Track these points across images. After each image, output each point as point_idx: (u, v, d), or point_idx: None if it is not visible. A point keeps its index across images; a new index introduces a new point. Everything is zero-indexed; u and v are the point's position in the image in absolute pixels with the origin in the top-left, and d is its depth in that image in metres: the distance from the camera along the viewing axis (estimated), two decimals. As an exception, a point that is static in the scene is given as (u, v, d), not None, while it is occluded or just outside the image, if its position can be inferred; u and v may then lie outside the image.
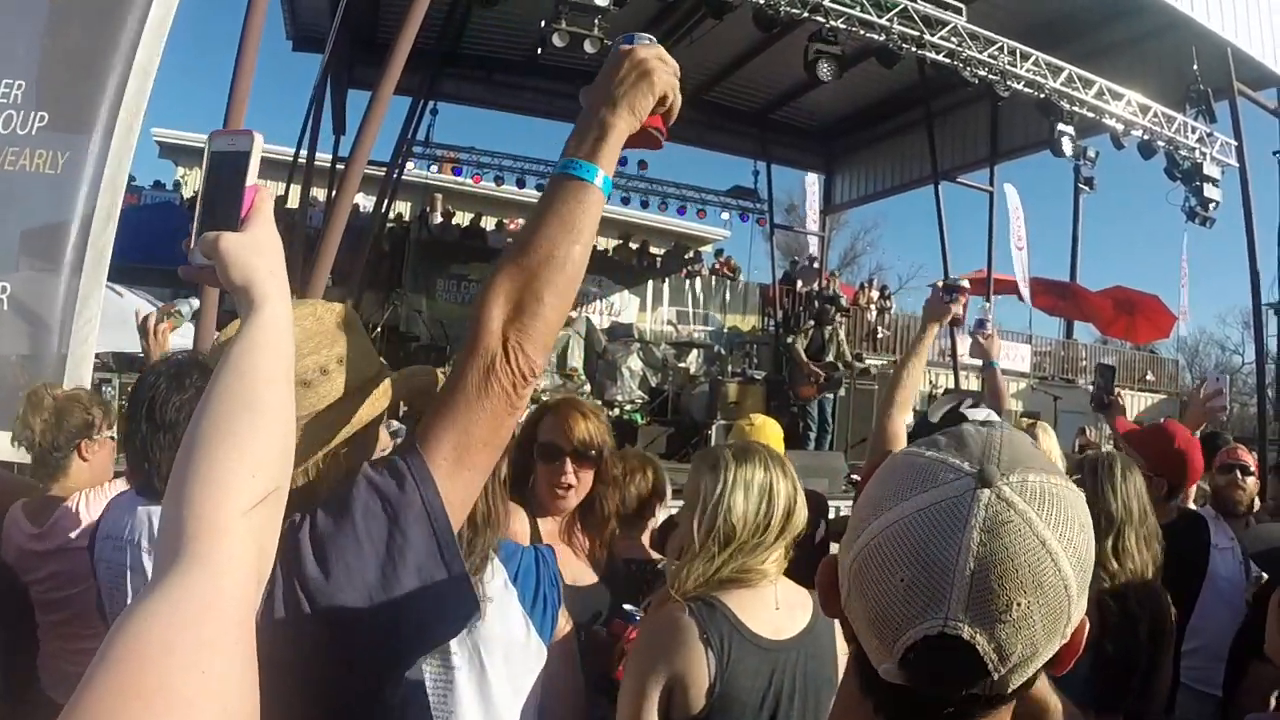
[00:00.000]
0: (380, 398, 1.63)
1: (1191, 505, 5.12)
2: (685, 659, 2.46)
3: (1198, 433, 4.90)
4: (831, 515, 5.67)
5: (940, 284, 4.42)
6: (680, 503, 2.93)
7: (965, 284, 4.50)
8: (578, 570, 3.45)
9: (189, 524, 1.00)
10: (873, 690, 1.08)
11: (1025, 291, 27.30)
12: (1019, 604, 0.95)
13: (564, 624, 2.87)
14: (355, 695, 1.48)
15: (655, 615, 2.61)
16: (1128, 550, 3.49)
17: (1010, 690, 1.03)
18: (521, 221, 20.77)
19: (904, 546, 0.99)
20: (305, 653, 1.38)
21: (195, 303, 4.74)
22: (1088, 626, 1.07)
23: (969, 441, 1.06)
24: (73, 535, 3.54)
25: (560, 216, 1.55)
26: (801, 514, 2.73)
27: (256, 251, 1.28)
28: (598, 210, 1.60)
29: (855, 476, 11.48)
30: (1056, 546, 0.97)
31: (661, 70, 1.66)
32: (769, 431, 4.95)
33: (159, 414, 3.00)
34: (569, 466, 3.41)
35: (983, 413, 4.77)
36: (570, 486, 3.42)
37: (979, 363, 5.17)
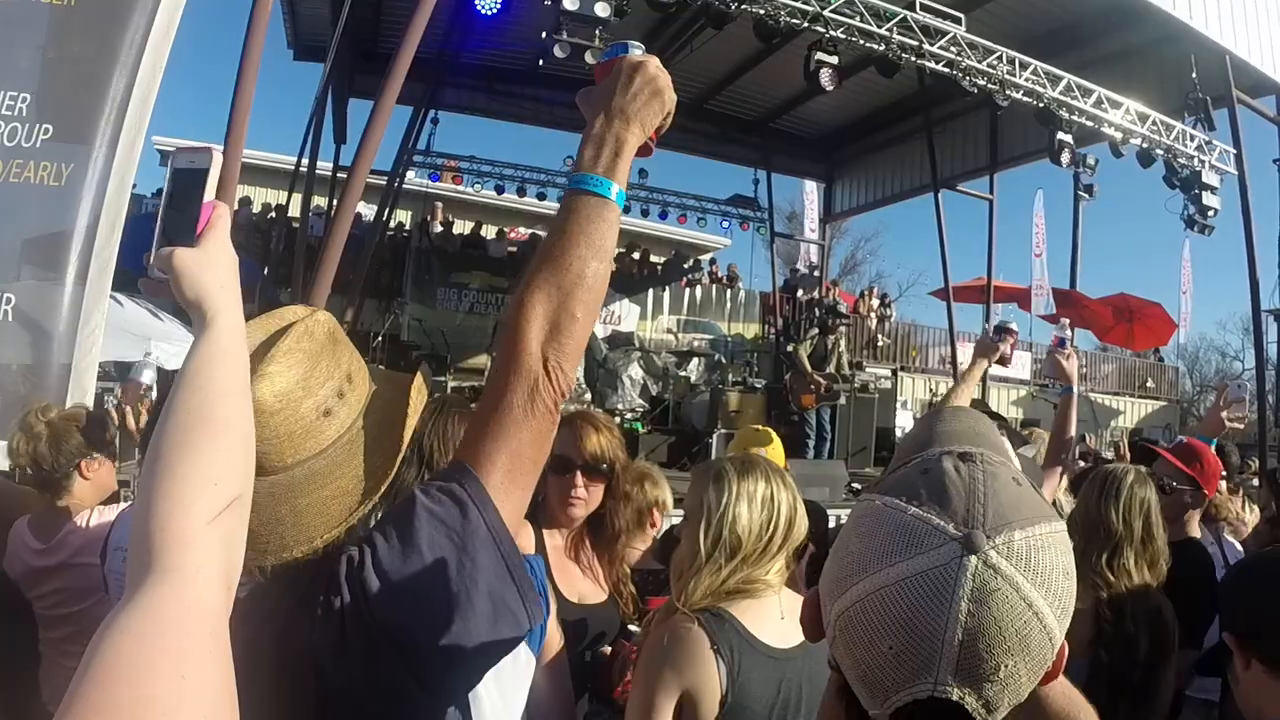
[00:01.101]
0: (419, 399, 1.67)
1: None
2: (697, 670, 2.45)
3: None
4: (831, 524, 5.67)
5: (991, 325, 4.45)
6: (680, 513, 2.93)
7: (1015, 326, 4.48)
8: (585, 588, 3.41)
9: (156, 537, 1.02)
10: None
11: (1046, 299, 27.30)
12: (1006, 665, 0.98)
13: (553, 634, 2.86)
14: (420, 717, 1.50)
15: (663, 627, 2.59)
16: (1124, 569, 3.49)
17: None
18: (522, 230, 20.88)
19: (890, 616, 0.99)
20: (381, 687, 1.41)
21: (153, 362, 4.77)
22: (1066, 649, 1.08)
23: (951, 494, 1.05)
24: (79, 550, 3.54)
25: (588, 235, 1.57)
26: (802, 524, 2.74)
27: (209, 267, 1.30)
28: (618, 225, 1.63)
29: (856, 485, 11.48)
30: (1042, 605, 0.99)
31: (670, 88, 1.68)
32: (770, 440, 4.95)
33: None
34: (579, 480, 3.36)
35: (1031, 450, 4.78)
36: (580, 500, 3.37)
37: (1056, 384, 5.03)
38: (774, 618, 2.60)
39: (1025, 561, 0.99)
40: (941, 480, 1.07)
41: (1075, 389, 4.51)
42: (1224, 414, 4.72)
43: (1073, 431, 4.48)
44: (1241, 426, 4.81)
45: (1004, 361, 4.33)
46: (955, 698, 0.97)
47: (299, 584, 1.47)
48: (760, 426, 5.36)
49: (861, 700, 1.06)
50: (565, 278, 1.54)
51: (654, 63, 1.66)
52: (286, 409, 1.50)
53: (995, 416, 4.49)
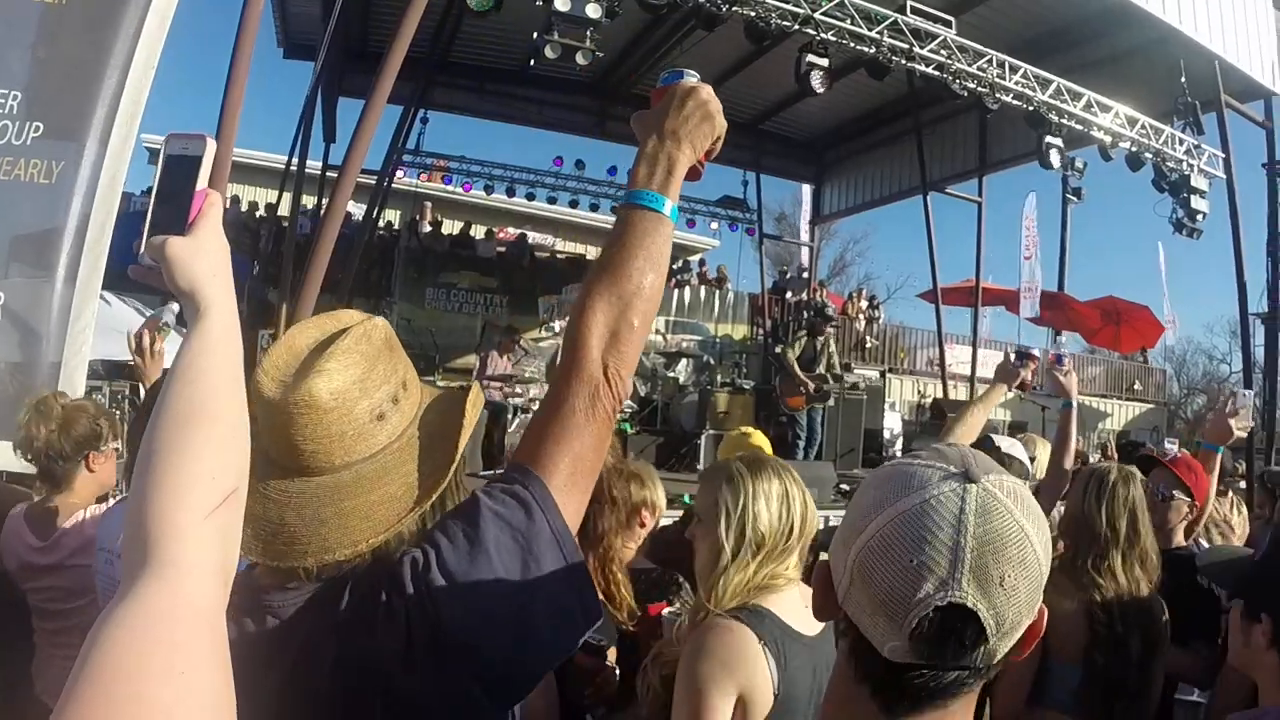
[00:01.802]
0: (474, 412, 1.67)
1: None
2: (750, 668, 2.44)
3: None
4: (820, 525, 5.66)
5: (1013, 350, 4.48)
6: (672, 513, 2.92)
7: (1036, 352, 4.53)
8: None
9: (152, 531, 1.02)
10: (870, 676, 1.20)
11: (1033, 303, 27.39)
12: (1009, 576, 1.11)
13: None
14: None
15: (702, 632, 2.55)
16: (1111, 570, 3.50)
17: (995, 660, 1.16)
18: (511, 231, 20.88)
19: (912, 533, 1.12)
20: (447, 691, 1.42)
21: (176, 308, 4.74)
22: (1046, 614, 1.20)
23: (947, 453, 1.22)
24: (75, 551, 3.52)
25: (645, 249, 1.62)
26: (814, 516, 2.77)
27: (201, 256, 1.28)
28: (671, 239, 1.68)
29: (845, 486, 11.51)
30: (1031, 532, 1.14)
31: (720, 113, 1.74)
32: (757, 443, 4.96)
33: None
34: None
35: (1008, 442, 4.83)
36: None
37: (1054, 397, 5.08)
38: (800, 607, 2.60)
39: (1013, 496, 1.16)
40: (937, 449, 1.24)
41: (1075, 404, 4.63)
42: (1232, 421, 4.75)
43: (1074, 445, 4.61)
44: (1245, 435, 4.83)
45: (1024, 387, 4.42)
46: (971, 604, 1.10)
47: (358, 587, 1.45)
48: (748, 429, 5.35)
49: (878, 638, 1.16)
50: (625, 288, 1.59)
51: (707, 89, 1.73)
52: (341, 408, 1.50)
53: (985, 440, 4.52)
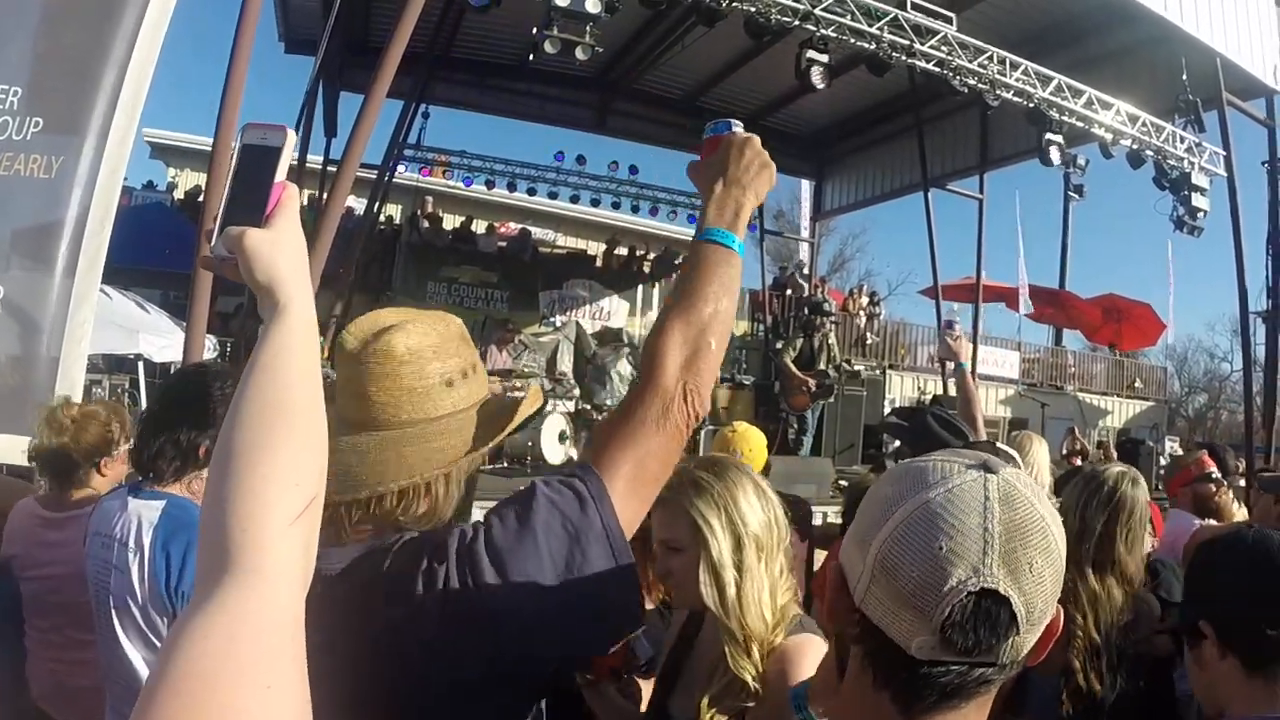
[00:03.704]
0: (534, 399, 1.81)
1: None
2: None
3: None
4: (818, 521, 5.67)
5: (945, 325, 4.57)
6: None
7: (957, 320, 4.62)
8: None
9: (235, 536, 0.99)
10: (891, 681, 1.18)
11: (1025, 299, 27.41)
12: (1036, 563, 1.12)
13: None
14: (496, 709, 1.52)
15: (792, 660, 2.34)
16: (1100, 577, 3.47)
17: (1021, 655, 1.16)
18: (512, 226, 20.90)
19: (938, 521, 1.12)
20: (464, 665, 1.46)
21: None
22: (1062, 615, 1.20)
23: (962, 450, 1.22)
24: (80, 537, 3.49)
25: (719, 278, 1.73)
26: (783, 512, 2.67)
27: (280, 250, 1.25)
28: (741, 272, 1.81)
29: (844, 482, 11.50)
30: (1051, 521, 1.15)
31: (772, 163, 1.87)
32: (751, 438, 4.93)
33: (180, 401, 3.03)
34: None
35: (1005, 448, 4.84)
36: None
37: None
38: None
39: (1030, 488, 1.16)
40: (951, 450, 1.25)
41: (965, 365, 4.85)
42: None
43: (979, 407, 4.69)
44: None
45: (955, 358, 4.54)
46: (1003, 590, 1.09)
47: (403, 551, 1.52)
48: (738, 425, 5.29)
49: (904, 635, 1.14)
50: (703, 311, 1.70)
51: (758, 140, 1.87)
52: (414, 363, 1.62)
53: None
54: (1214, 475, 5.11)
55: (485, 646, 1.47)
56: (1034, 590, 1.11)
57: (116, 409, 3.93)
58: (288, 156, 1.30)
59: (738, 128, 1.91)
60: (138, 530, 2.92)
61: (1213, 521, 4.81)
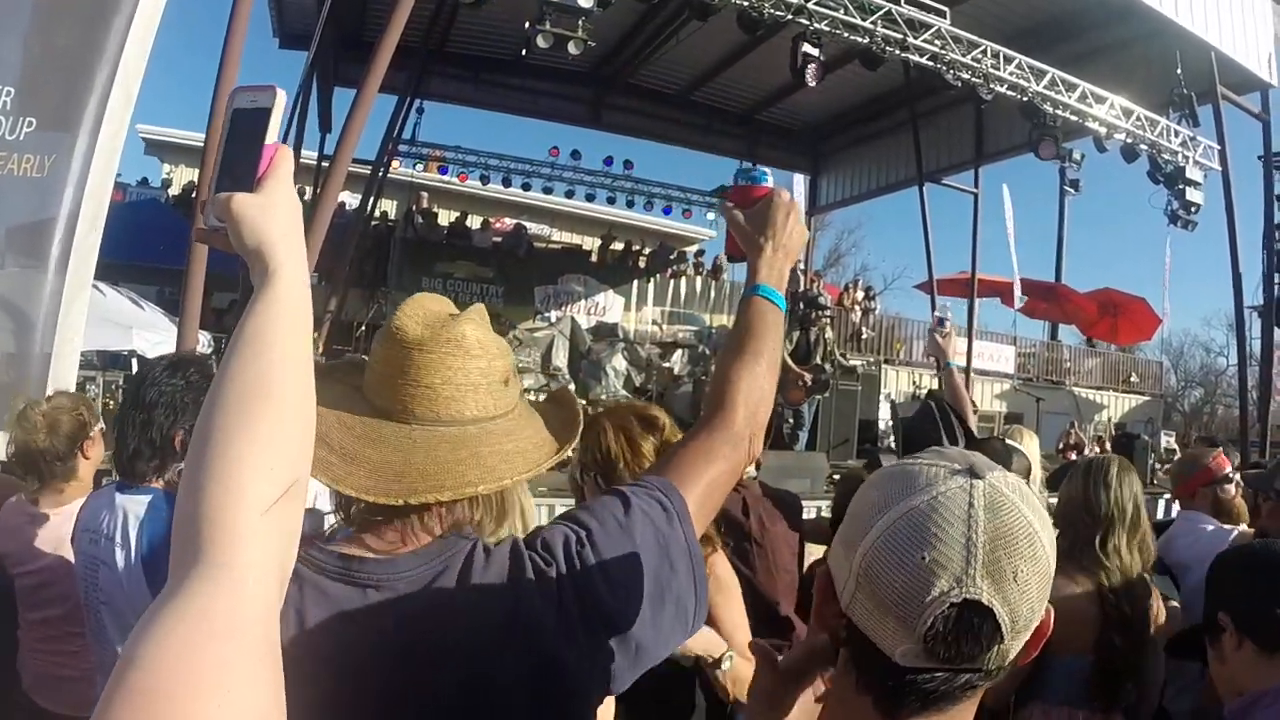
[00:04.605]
0: (572, 401, 1.83)
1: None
2: None
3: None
4: (812, 515, 5.67)
5: (935, 320, 4.58)
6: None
7: (948, 315, 4.65)
8: None
9: (205, 528, 0.94)
10: (875, 683, 1.18)
11: (1018, 294, 27.41)
12: (1021, 571, 1.09)
13: None
14: (574, 709, 1.53)
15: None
16: (1116, 548, 3.53)
17: (1006, 661, 1.15)
18: (507, 221, 20.91)
19: (921, 530, 1.10)
20: (590, 661, 1.49)
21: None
22: (1053, 614, 1.18)
23: (949, 452, 1.20)
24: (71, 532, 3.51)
25: (774, 335, 1.89)
26: None
27: (270, 213, 1.18)
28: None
29: (838, 477, 11.46)
30: (1038, 526, 1.12)
31: (806, 231, 2.07)
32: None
33: (143, 398, 3.01)
34: None
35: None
36: None
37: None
38: None
39: (1018, 492, 1.14)
40: (936, 450, 1.23)
41: (953, 364, 4.86)
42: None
43: (969, 405, 4.74)
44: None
45: (943, 355, 4.57)
46: (986, 600, 1.08)
47: (498, 560, 1.49)
48: None
49: (888, 642, 1.14)
50: (763, 364, 1.83)
51: (800, 207, 2.06)
52: (483, 358, 1.54)
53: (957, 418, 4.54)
54: (1232, 476, 5.04)
55: (601, 656, 1.49)
56: (1018, 599, 1.10)
57: (80, 396, 3.98)
58: (278, 116, 1.25)
59: (770, 179, 2.06)
60: (124, 525, 2.92)
61: (1245, 528, 4.72)
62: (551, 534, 1.53)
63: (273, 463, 1.02)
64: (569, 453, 1.63)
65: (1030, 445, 5.24)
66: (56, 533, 3.49)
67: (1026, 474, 4.23)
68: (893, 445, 12.28)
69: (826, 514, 5.71)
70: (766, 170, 2.10)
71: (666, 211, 25.47)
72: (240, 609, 0.90)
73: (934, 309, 20.37)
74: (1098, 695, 3.41)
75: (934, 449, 1.24)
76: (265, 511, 0.98)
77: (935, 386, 20.97)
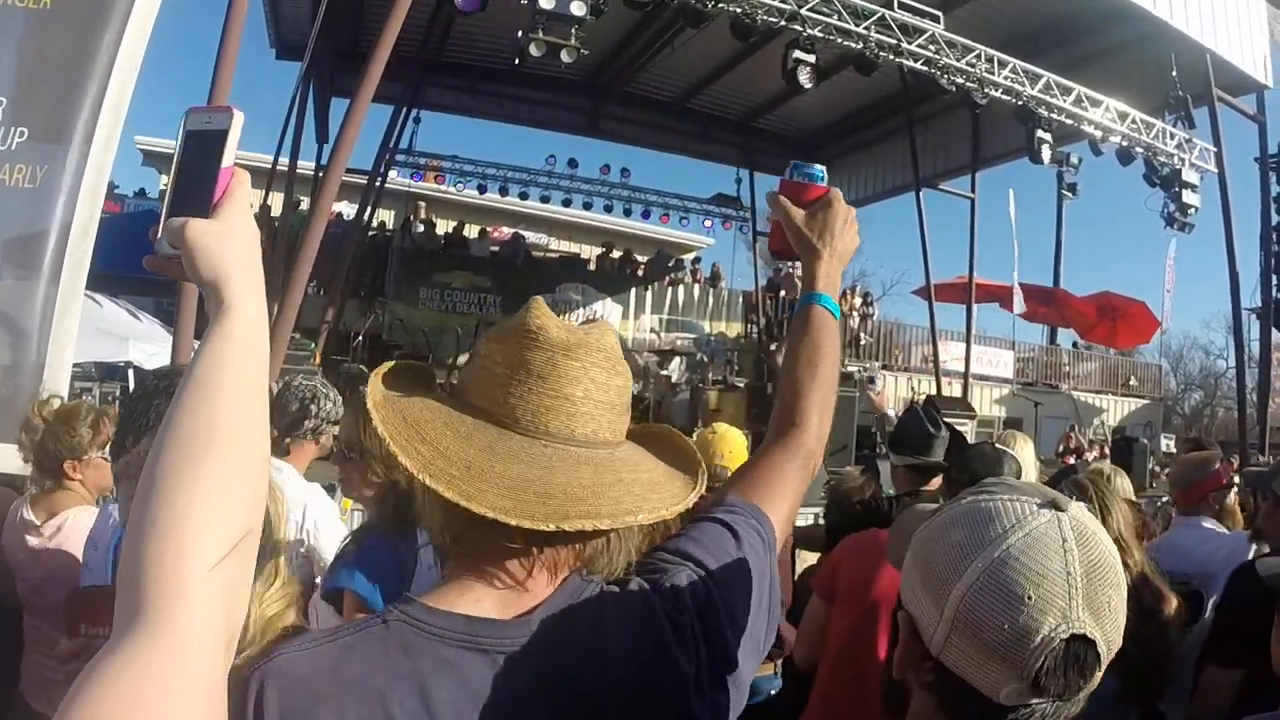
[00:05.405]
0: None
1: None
2: None
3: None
4: (808, 522, 5.67)
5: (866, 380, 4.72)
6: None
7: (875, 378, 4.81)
8: None
9: (147, 584, 0.89)
10: None
11: (1018, 299, 27.41)
12: (1113, 600, 1.13)
13: None
14: None
15: None
16: (1129, 548, 3.55)
17: (1095, 686, 1.17)
18: (505, 230, 20.88)
19: (1022, 572, 1.11)
20: (714, 709, 1.40)
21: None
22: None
23: (1017, 485, 1.25)
24: (70, 542, 3.53)
25: (833, 342, 1.87)
26: None
27: (226, 240, 1.11)
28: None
29: (832, 481, 11.44)
30: (1115, 554, 1.16)
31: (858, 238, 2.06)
32: (731, 439, 4.88)
33: (141, 412, 3.02)
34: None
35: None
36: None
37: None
38: None
39: (1094, 521, 1.18)
40: (1000, 482, 1.27)
41: (890, 414, 4.96)
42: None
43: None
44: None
45: (878, 407, 4.73)
46: (1089, 634, 1.09)
47: (625, 610, 1.34)
48: (718, 426, 5.19)
49: (990, 684, 1.14)
50: (826, 375, 1.82)
51: (855, 214, 2.05)
52: (623, 376, 1.39)
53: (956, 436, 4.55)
54: (1236, 481, 5.00)
55: (721, 706, 1.39)
56: (1113, 628, 1.12)
57: (95, 414, 3.88)
58: (234, 139, 1.18)
59: (825, 178, 2.08)
60: (116, 536, 2.94)
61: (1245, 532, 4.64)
62: (675, 576, 1.40)
63: (222, 515, 0.96)
64: (703, 489, 1.42)
65: (1025, 450, 5.22)
66: (46, 544, 3.55)
67: (1018, 478, 4.24)
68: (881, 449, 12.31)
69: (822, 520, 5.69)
70: (821, 168, 2.08)
71: (664, 220, 25.46)
72: (182, 669, 0.85)
73: (931, 314, 20.53)
74: (1124, 687, 3.39)
75: (1000, 481, 1.27)
76: (213, 568, 0.92)
77: (934, 392, 21.01)
